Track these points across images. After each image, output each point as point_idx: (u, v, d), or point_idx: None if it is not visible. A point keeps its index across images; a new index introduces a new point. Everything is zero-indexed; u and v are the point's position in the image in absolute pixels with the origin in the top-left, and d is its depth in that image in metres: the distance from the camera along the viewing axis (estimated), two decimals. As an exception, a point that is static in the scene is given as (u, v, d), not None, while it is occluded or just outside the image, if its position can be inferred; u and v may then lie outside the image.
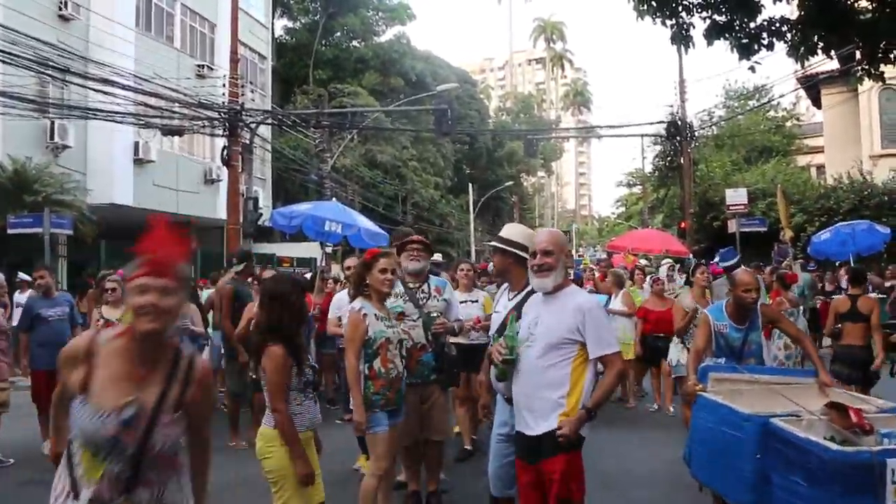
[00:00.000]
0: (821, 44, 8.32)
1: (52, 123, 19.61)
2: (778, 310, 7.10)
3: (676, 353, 7.95)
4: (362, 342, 4.91)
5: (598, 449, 7.46)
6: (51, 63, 15.77)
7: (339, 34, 44.48)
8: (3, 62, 14.37)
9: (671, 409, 9.64)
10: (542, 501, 3.88)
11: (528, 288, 4.34)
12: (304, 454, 4.08)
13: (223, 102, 19.31)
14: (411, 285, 5.83)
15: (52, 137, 19.71)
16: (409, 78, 44.37)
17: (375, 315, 4.97)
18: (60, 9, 20.20)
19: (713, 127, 35.03)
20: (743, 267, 8.00)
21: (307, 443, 4.22)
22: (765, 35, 8.41)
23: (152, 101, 18.65)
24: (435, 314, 5.78)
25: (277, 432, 4.10)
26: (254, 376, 6.38)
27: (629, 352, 9.81)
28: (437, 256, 12.67)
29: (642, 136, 36.32)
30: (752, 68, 8.72)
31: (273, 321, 4.21)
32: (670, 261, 13.52)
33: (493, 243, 5.02)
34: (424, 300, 5.79)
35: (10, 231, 15.70)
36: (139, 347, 2.68)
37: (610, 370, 3.94)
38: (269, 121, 26.11)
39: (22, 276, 12.79)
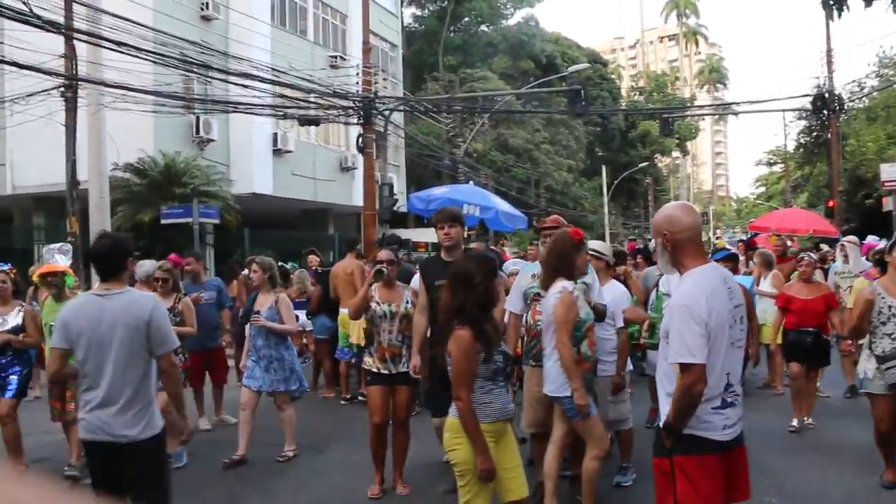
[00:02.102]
0: None
1: (198, 118, 20.56)
2: None
3: (864, 363, 5.79)
4: (574, 325, 4.74)
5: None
6: (195, 61, 16.47)
7: (467, 19, 44.53)
8: (154, 62, 15.07)
9: (809, 419, 7.80)
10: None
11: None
12: (486, 447, 3.76)
13: (357, 91, 19.64)
14: None
15: (197, 132, 20.67)
16: (538, 60, 43.97)
17: (580, 298, 4.86)
18: (202, 9, 21.16)
19: (864, 98, 32.86)
20: None
21: (499, 434, 3.93)
22: (935, -10, 7.69)
23: (289, 92, 19.20)
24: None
25: None
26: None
27: (776, 336, 8.87)
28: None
29: (784, 111, 34.62)
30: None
31: (458, 303, 3.92)
32: (854, 238, 11.39)
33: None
34: None
35: (163, 221, 16.58)
36: None
37: (678, 383, 3.24)
38: (402, 108, 26.41)
39: None
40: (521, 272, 5.53)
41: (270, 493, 6.12)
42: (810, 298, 7.78)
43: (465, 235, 17.82)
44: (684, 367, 3.19)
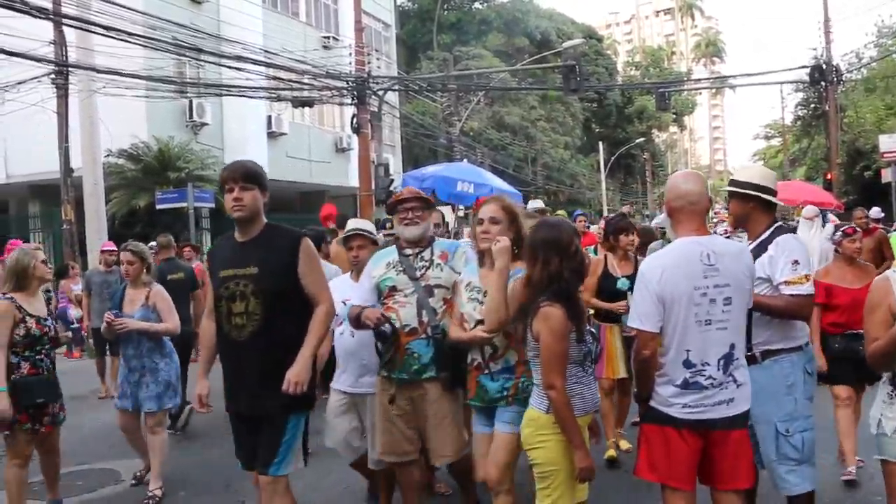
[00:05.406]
0: None
1: (191, 102, 20.40)
2: None
3: (879, 407, 3.30)
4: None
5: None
6: (186, 44, 16.32)
7: (460, -3, 44.29)
8: (145, 47, 14.93)
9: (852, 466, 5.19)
10: None
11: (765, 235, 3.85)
12: (584, 444, 3.32)
13: (350, 72, 19.51)
14: (408, 252, 4.38)
15: (191, 116, 20.52)
16: (533, 37, 43.78)
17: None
18: (193, -9, 20.93)
19: (863, 69, 32.62)
20: None
21: (584, 429, 3.44)
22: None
23: (282, 74, 19.07)
24: (443, 287, 4.25)
25: (550, 417, 3.33)
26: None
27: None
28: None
29: (781, 83, 34.53)
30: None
31: (549, 275, 3.35)
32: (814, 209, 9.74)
33: (729, 188, 4.06)
34: (424, 270, 4.30)
35: (158, 206, 16.51)
36: None
37: None
38: (396, 87, 26.26)
39: None
40: (373, 260, 4.52)
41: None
42: (859, 288, 4.99)
43: (463, 214, 17.61)
44: (637, 333, 3.31)
